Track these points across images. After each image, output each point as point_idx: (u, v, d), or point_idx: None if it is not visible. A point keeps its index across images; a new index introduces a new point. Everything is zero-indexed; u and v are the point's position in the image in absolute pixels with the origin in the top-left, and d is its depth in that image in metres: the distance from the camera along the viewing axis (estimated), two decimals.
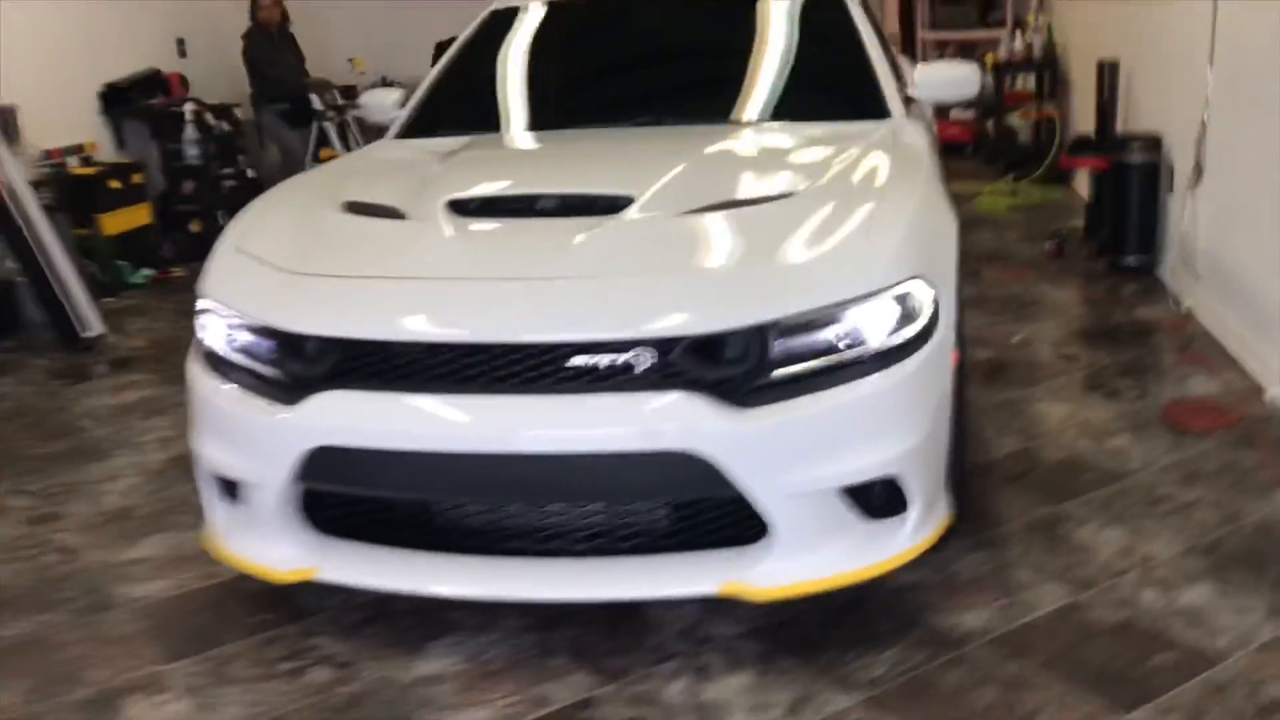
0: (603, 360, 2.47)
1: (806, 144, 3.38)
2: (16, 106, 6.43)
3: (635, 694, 2.55)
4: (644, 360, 2.47)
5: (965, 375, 2.97)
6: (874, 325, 2.53)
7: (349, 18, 9.35)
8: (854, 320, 2.51)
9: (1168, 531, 3.12)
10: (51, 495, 3.89)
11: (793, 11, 4.11)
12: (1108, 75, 6.32)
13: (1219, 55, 4.75)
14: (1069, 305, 5.51)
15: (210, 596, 3.10)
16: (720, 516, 2.59)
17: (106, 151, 7.34)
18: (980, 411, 3.97)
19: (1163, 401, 4.07)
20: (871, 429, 2.53)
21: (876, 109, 3.66)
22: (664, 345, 2.46)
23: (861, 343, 2.52)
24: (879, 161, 3.08)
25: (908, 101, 3.78)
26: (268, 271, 2.82)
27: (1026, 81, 9.25)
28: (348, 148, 7.93)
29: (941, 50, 10.33)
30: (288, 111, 7.94)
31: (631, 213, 2.81)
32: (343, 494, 2.74)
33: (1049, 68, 8.89)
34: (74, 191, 6.70)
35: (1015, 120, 9.06)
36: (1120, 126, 6.38)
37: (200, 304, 2.91)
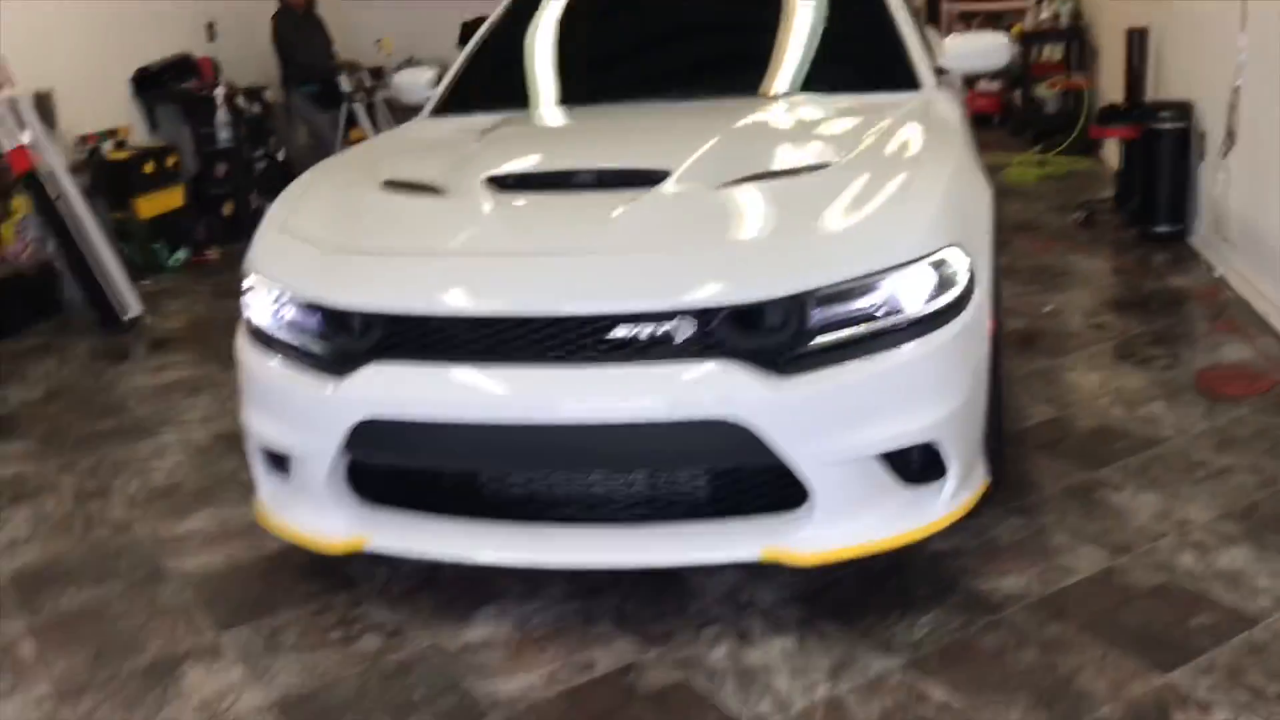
0: (643, 331, 2.52)
1: (839, 115, 3.40)
2: (52, 91, 6.52)
3: (679, 658, 2.60)
4: (684, 330, 2.51)
5: (1000, 343, 2.99)
6: (911, 293, 2.56)
7: None
8: (891, 288, 2.54)
9: (1203, 496, 3.14)
10: (101, 471, 3.98)
11: None
12: (1137, 42, 6.29)
13: (1251, 19, 4.72)
14: (1100, 274, 5.51)
15: (259, 568, 3.17)
16: (761, 483, 2.64)
17: (139, 135, 7.43)
18: (1013, 380, 3.99)
19: (1196, 368, 4.08)
20: (910, 395, 2.57)
21: (908, 80, 3.67)
22: (704, 315, 2.50)
23: (899, 310, 2.55)
24: (912, 132, 3.10)
25: (938, 72, 3.79)
26: (312, 249, 2.87)
27: (1053, 52, 9.20)
28: (377, 129, 7.99)
29: (968, 22, 10.26)
30: (317, 93, 8.00)
31: (668, 186, 2.84)
32: (388, 465, 2.81)
33: (1076, 37, 8.83)
34: (110, 175, 6.80)
35: (1042, 90, 9.01)
36: (1150, 94, 6.34)
37: (247, 282, 2.97)
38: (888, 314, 2.54)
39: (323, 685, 2.62)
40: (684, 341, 2.51)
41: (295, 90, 8.06)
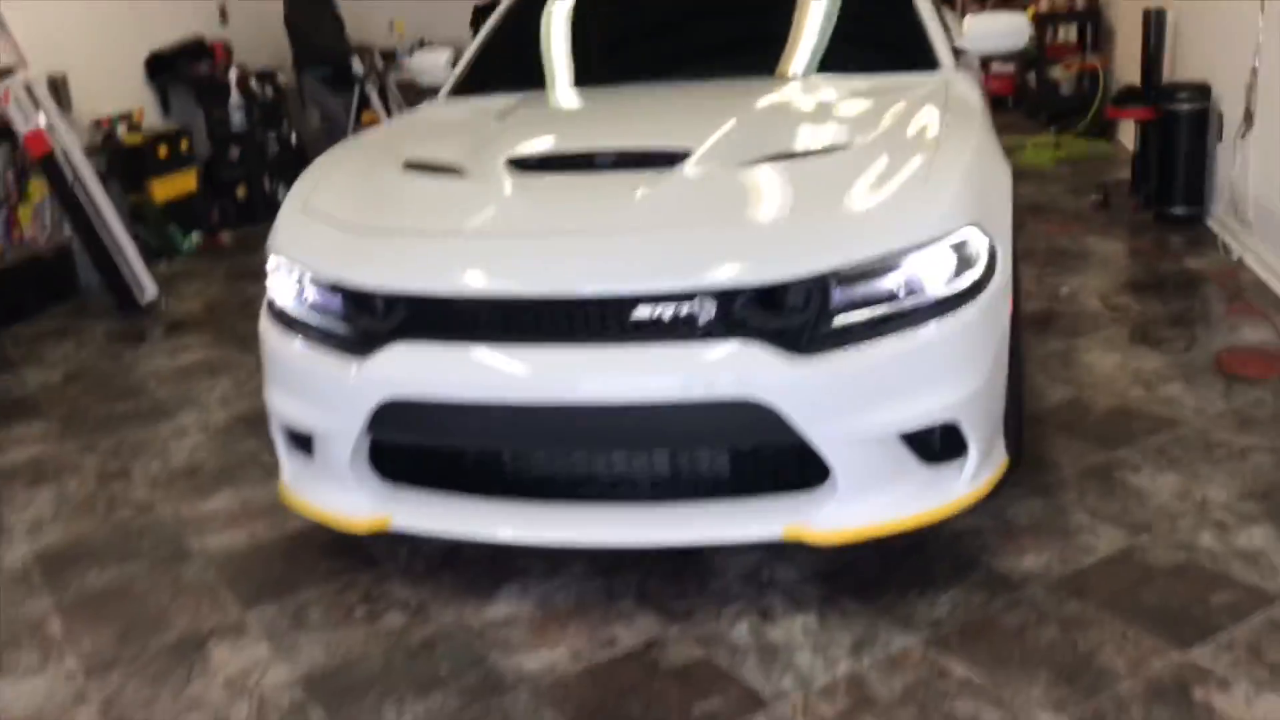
0: (665, 311, 2.52)
1: (858, 96, 3.40)
2: (66, 74, 6.53)
3: (701, 635, 2.62)
4: (706, 311, 2.51)
5: (1020, 324, 3.00)
6: (932, 273, 2.56)
7: None
8: (913, 268, 2.55)
9: (1223, 476, 3.14)
10: (121, 453, 4.00)
11: None
12: (1154, 23, 6.25)
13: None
14: (1116, 257, 5.50)
15: (282, 547, 3.20)
16: (782, 463, 2.65)
17: (152, 119, 7.44)
18: (1031, 361, 3.99)
19: (1214, 349, 4.08)
20: (931, 375, 2.57)
21: (926, 60, 3.67)
22: (726, 296, 2.50)
23: (920, 290, 2.55)
24: (932, 113, 3.09)
25: (957, 53, 3.78)
26: (335, 230, 2.88)
27: (1068, 33, 9.15)
28: (389, 111, 7.98)
29: (982, 2, 10.21)
30: (329, 76, 7.98)
31: (689, 166, 2.85)
32: (411, 445, 2.82)
33: (1092, 18, 8.78)
34: (125, 159, 6.82)
35: (1057, 72, 8.97)
36: (1167, 76, 6.31)
37: (270, 262, 2.98)
38: (909, 294, 2.55)
39: (348, 661, 2.64)
40: (706, 322, 2.51)
41: (307, 73, 8.04)
